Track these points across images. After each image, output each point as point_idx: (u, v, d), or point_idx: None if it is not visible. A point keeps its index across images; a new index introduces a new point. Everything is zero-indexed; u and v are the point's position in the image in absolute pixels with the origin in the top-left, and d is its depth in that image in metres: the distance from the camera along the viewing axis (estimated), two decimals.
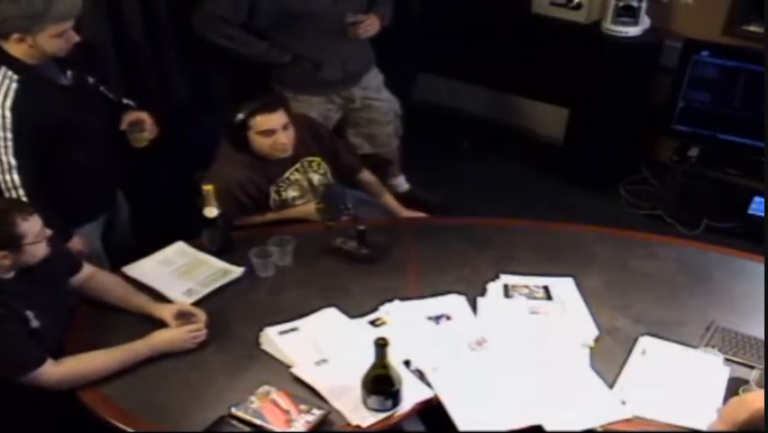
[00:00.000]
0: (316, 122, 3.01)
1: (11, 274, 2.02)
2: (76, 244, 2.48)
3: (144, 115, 2.63)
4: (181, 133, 3.04)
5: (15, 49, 2.29)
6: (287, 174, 2.73)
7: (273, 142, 2.59)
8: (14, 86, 2.28)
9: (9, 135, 2.28)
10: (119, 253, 2.68)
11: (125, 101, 2.70)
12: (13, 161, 2.30)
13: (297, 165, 2.74)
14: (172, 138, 2.81)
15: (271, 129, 2.57)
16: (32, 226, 1.99)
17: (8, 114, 2.27)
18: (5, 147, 2.28)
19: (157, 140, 2.67)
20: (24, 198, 2.31)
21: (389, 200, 2.96)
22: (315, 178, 2.80)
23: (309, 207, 2.70)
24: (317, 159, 2.80)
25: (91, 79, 2.54)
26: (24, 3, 2.18)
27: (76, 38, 2.32)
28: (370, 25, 3.21)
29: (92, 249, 2.61)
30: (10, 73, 2.29)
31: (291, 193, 2.75)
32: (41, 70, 2.35)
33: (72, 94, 2.43)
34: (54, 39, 2.27)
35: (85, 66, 2.51)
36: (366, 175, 2.98)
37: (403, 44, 4.10)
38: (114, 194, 2.79)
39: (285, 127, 2.59)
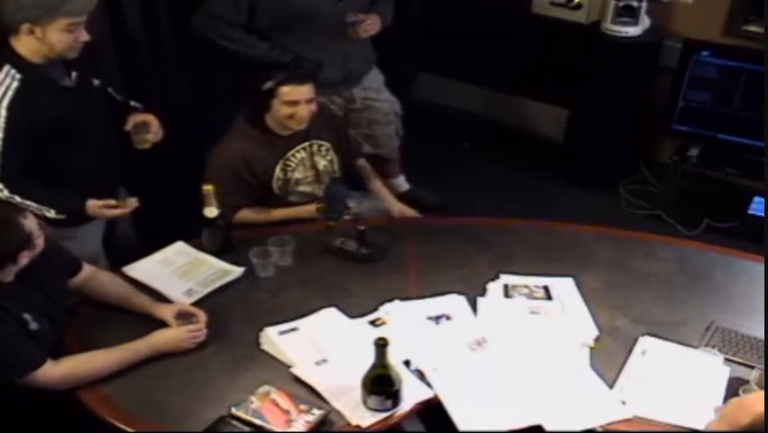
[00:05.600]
0: (332, 111, 3.11)
1: (10, 278, 2.02)
2: (92, 207, 2.44)
3: (150, 118, 2.63)
4: (181, 133, 3.03)
5: (24, 45, 2.29)
6: (293, 152, 2.75)
7: (294, 113, 2.64)
8: (15, 85, 2.29)
9: (0, 134, 2.28)
10: (121, 253, 2.68)
11: (133, 103, 2.69)
12: None
13: (305, 144, 2.78)
14: (172, 138, 2.81)
15: (295, 100, 2.63)
16: (32, 222, 2.01)
17: (4, 112, 2.27)
18: None
19: (159, 142, 2.67)
20: (6, 193, 2.31)
21: (380, 188, 3.01)
22: (321, 163, 2.83)
23: (313, 208, 2.71)
24: (327, 144, 2.85)
25: (96, 81, 2.54)
26: None
27: (85, 36, 2.32)
28: (371, 25, 3.21)
29: (92, 249, 2.61)
30: (13, 72, 2.29)
31: (296, 175, 2.77)
32: (46, 71, 2.35)
33: (74, 95, 2.43)
34: (63, 33, 2.27)
35: (91, 67, 2.51)
36: (362, 161, 3.10)
37: (403, 44, 4.10)
38: (115, 195, 2.79)
39: (308, 101, 2.66)
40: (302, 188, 2.80)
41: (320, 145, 2.82)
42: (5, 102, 2.27)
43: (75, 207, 2.41)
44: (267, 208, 2.76)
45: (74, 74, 2.43)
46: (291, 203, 2.80)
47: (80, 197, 2.43)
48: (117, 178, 2.73)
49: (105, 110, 2.59)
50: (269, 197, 2.77)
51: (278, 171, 2.73)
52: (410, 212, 2.94)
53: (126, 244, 2.84)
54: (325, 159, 2.84)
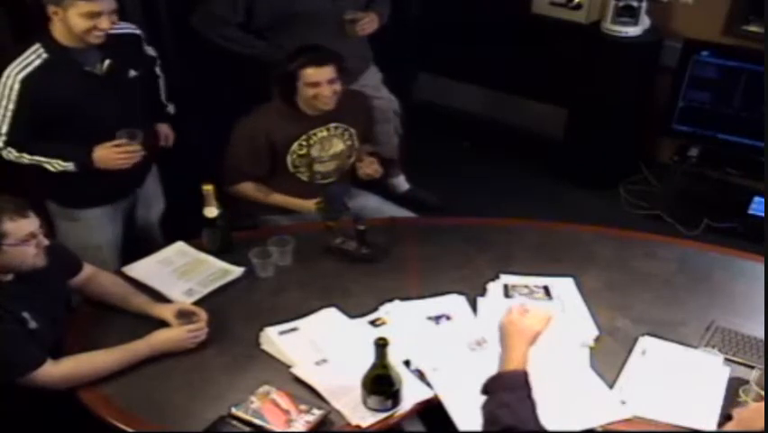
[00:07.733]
0: (367, 101, 3.14)
1: (9, 277, 2.01)
2: (100, 152, 2.44)
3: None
4: (181, 133, 3.03)
5: (56, 28, 2.35)
6: (315, 130, 2.80)
7: (317, 94, 2.70)
8: (37, 62, 2.34)
9: (11, 106, 2.33)
10: (143, 245, 2.70)
11: (167, 104, 2.75)
12: (3, 129, 2.36)
13: (329, 125, 2.82)
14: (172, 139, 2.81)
15: (317, 81, 2.69)
16: (19, 228, 1.96)
17: (17, 85, 2.32)
18: (3, 116, 2.34)
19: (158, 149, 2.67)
20: (15, 153, 2.38)
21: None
22: (339, 146, 2.86)
23: (309, 203, 2.73)
24: (351, 130, 2.88)
25: (133, 72, 2.54)
26: None
27: (105, 25, 2.33)
28: (369, 23, 3.22)
29: (97, 240, 2.61)
30: (41, 51, 2.35)
31: (313, 153, 2.82)
32: (74, 54, 2.38)
33: (97, 81, 2.43)
34: (81, 18, 2.30)
35: (133, 58, 2.54)
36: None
37: (402, 44, 4.10)
38: (129, 185, 2.75)
39: (330, 82, 2.71)
40: (318, 167, 2.85)
41: (344, 129, 2.86)
42: (21, 76, 2.32)
43: (80, 154, 2.42)
44: (269, 189, 2.81)
45: (107, 62, 2.44)
46: (301, 182, 2.84)
47: (86, 145, 2.44)
48: (129, 170, 2.56)
49: (135, 102, 2.57)
50: (280, 172, 2.80)
51: (295, 146, 2.78)
52: (375, 167, 2.89)
53: (152, 238, 2.86)
54: (345, 143, 2.87)
